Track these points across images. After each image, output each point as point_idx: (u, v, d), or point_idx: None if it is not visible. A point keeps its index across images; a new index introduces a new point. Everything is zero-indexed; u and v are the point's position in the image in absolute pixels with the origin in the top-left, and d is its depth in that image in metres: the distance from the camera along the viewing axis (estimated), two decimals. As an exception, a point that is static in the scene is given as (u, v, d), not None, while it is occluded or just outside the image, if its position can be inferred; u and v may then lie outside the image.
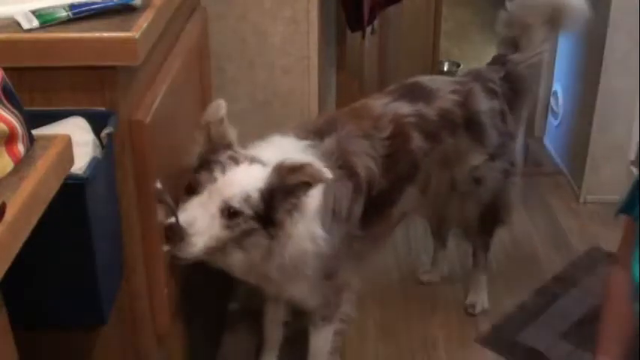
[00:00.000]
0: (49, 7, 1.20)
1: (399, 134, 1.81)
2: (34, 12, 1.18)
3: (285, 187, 1.48)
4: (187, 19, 1.75)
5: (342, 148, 1.69)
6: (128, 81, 1.23)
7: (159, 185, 1.36)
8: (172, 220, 1.42)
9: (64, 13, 1.19)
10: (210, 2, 1.98)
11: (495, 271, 2.42)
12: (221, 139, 1.53)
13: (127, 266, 1.31)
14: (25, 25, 1.16)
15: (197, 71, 1.84)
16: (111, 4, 1.23)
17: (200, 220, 1.44)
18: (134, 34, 1.16)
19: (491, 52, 2.35)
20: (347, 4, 2.68)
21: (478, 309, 2.25)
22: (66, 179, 0.96)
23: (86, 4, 1.21)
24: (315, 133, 1.71)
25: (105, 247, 1.16)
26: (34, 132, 0.95)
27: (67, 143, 0.97)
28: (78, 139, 1.06)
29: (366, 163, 1.74)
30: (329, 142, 1.70)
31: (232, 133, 1.56)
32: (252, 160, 1.52)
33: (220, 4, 2.01)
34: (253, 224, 1.48)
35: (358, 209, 1.74)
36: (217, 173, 1.47)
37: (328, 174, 1.48)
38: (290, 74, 2.10)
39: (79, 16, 1.20)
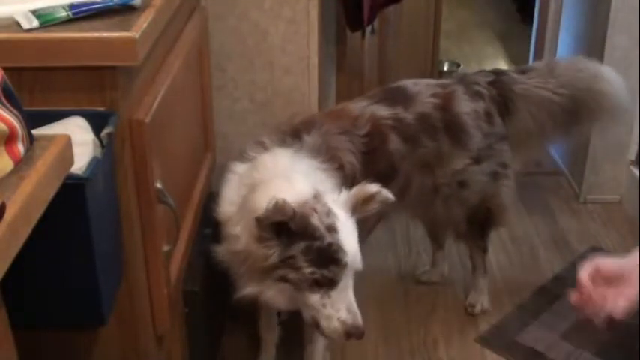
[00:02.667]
0: (49, 7, 1.20)
1: (376, 133, 1.81)
2: (34, 12, 1.18)
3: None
4: (187, 19, 1.75)
5: (326, 142, 1.69)
6: (128, 81, 1.23)
7: (159, 185, 1.36)
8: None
9: (64, 13, 1.19)
10: (210, 2, 1.98)
11: (495, 271, 2.42)
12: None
13: (127, 266, 1.31)
14: (25, 25, 1.16)
15: (197, 71, 1.84)
16: (111, 4, 1.23)
17: None
18: (134, 34, 1.16)
19: (491, 52, 2.34)
20: (347, 4, 2.68)
21: (478, 309, 2.24)
22: (66, 179, 0.96)
23: (86, 4, 1.21)
24: (292, 134, 1.70)
25: (105, 247, 1.16)
26: (34, 132, 0.95)
27: (67, 143, 0.97)
28: (78, 139, 1.06)
29: (348, 158, 1.74)
30: (311, 138, 1.69)
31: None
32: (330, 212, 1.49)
33: (220, 4, 2.01)
34: None
35: None
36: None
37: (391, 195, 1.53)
38: (290, 74, 2.10)
39: (79, 16, 1.20)
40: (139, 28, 1.18)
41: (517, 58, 4.14)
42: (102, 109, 1.18)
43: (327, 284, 1.44)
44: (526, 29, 3.80)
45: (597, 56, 2.67)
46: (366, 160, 1.76)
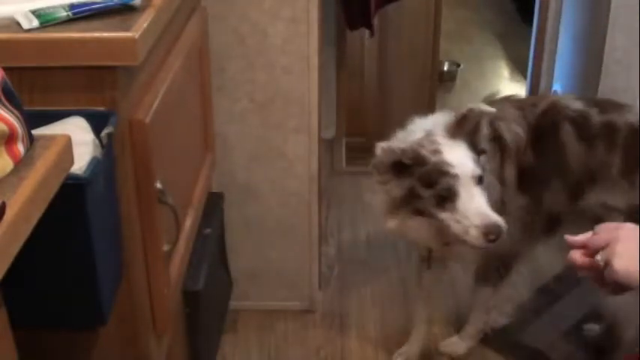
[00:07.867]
0: (49, 7, 1.20)
1: (550, 113, 1.83)
2: (34, 12, 1.18)
3: None
4: (187, 19, 1.75)
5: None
6: (128, 81, 1.23)
7: (159, 185, 1.36)
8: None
9: (64, 13, 1.19)
10: (210, 2, 1.98)
11: (495, 271, 2.42)
12: None
13: (127, 266, 1.31)
14: (25, 25, 1.16)
15: (197, 71, 1.84)
16: (111, 4, 1.23)
17: None
18: (134, 34, 1.16)
19: (491, 52, 2.33)
20: (347, 3, 2.68)
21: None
22: (66, 179, 0.96)
23: (86, 4, 1.21)
24: None
25: (105, 247, 1.16)
26: (34, 132, 0.95)
27: (67, 143, 0.97)
28: (78, 139, 1.06)
29: (513, 128, 1.80)
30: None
31: None
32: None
33: (220, 4, 2.01)
34: None
35: (510, 172, 1.81)
36: None
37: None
38: (290, 74, 2.10)
39: (79, 16, 1.20)
40: (139, 28, 1.18)
41: (517, 58, 4.13)
42: (102, 109, 1.18)
43: (449, 198, 1.54)
44: (526, 29, 3.80)
45: (597, 56, 2.68)
46: (535, 134, 1.82)
